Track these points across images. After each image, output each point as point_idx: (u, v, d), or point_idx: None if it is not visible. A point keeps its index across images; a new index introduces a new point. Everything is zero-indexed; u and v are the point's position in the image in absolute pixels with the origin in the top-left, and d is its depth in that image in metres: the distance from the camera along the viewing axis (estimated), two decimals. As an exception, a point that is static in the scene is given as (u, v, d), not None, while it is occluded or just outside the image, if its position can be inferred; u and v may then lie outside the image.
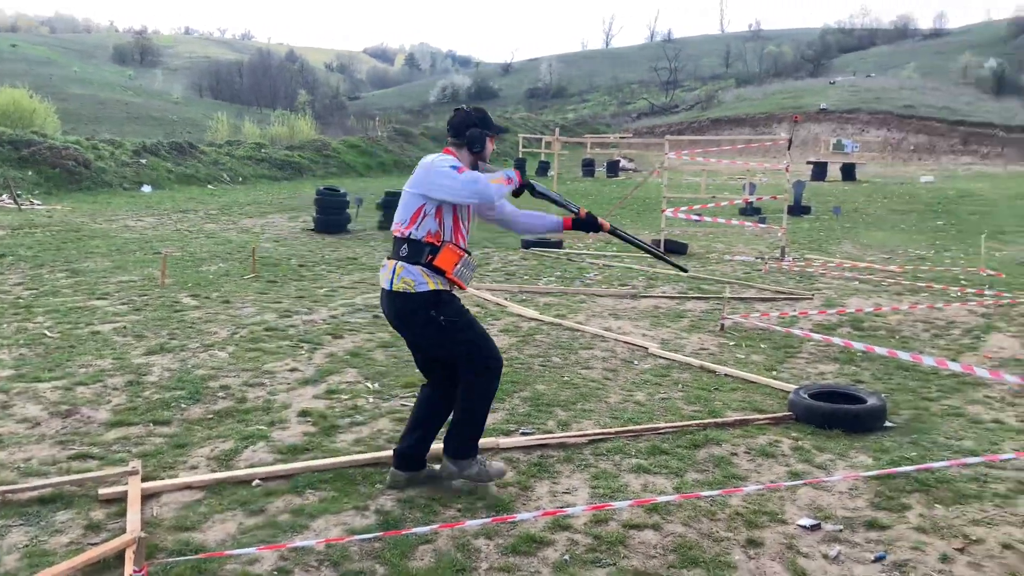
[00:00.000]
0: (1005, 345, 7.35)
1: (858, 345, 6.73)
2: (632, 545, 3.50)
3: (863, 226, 17.95)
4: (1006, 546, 3.51)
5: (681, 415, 5.18)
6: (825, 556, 3.43)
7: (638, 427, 4.86)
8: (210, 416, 4.99)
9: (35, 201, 17.66)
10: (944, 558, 3.41)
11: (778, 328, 7.56)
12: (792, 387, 5.67)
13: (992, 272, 11.09)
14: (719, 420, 5.02)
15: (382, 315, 4.30)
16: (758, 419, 5.08)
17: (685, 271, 5.06)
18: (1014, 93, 61.93)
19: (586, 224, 4.21)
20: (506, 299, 8.92)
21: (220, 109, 63.65)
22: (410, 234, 3.82)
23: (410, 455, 4.04)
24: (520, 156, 38.50)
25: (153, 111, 71.43)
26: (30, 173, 19.88)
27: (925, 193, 25.96)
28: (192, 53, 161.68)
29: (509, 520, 3.60)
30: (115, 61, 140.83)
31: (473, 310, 8.19)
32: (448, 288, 3.87)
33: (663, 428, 4.84)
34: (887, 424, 5.07)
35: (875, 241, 15.32)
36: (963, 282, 10.51)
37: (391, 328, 4.14)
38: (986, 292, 9.56)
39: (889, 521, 3.73)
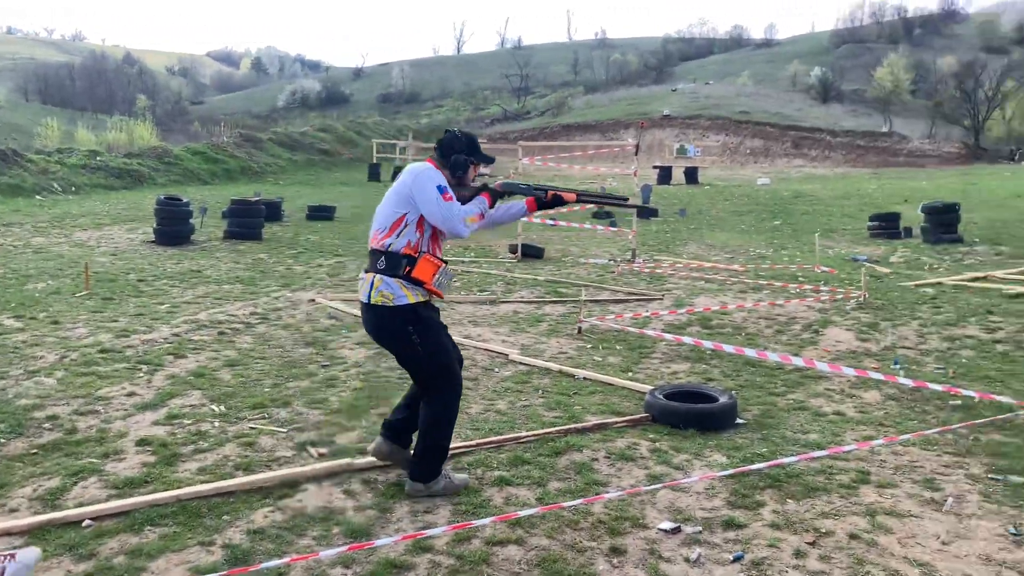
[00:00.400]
0: (841, 338, 7.77)
1: (707, 344, 6.94)
2: (496, 563, 3.41)
3: (707, 227, 18.71)
4: (853, 536, 3.64)
5: (542, 422, 5.15)
6: (686, 559, 3.46)
7: (499, 437, 4.78)
8: (34, 451, 4.54)
9: None
10: (798, 553, 3.50)
11: (632, 329, 7.69)
12: (648, 388, 5.76)
13: (826, 269, 11.76)
14: (579, 425, 5.02)
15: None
16: (617, 422, 5.11)
17: (626, 203, 4.97)
18: (838, 99, 66.58)
19: (550, 204, 4.24)
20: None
21: (50, 114, 59.49)
22: (388, 245, 3.88)
23: (397, 428, 4.18)
24: (375, 161, 37.95)
25: (-28, 116, 66.03)
26: None
27: (762, 194, 27.39)
28: (16, 54, 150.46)
29: (367, 547, 3.43)
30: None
31: (326, 323, 7.96)
32: (427, 299, 3.93)
33: (525, 437, 4.79)
34: (739, 421, 5.22)
35: (718, 241, 15.99)
36: (800, 279, 11.09)
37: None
38: (822, 288, 10.11)
39: (745, 519, 3.81)
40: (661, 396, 5.28)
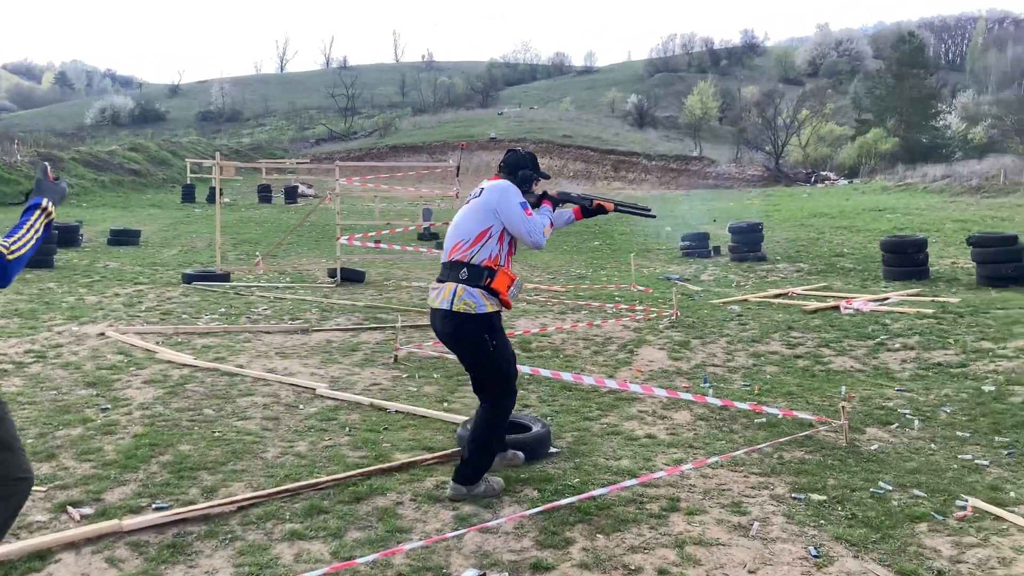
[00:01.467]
0: (654, 358, 7.86)
1: (524, 368, 6.78)
2: (278, 635, 3.02)
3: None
4: (661, 572, 3.52)
5: (345, 464, 4.77)
6: (490, 612, 3.21)
7: (295, 484, 4.37)
8: None
9: None
10: (606, 594, 3.34)
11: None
12: (463, 419, 5.52)
13: (642, 288, 12.04)
14: (385, 466, 4.69)
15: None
16: (426, 459, 4.82)
17: (651, 214, 5.09)
18: (653, 125, 69.96)
19: (593, 212, 4.74)
20: (157, 343, 7.96)
21: None
22: (471, 257, 4.21)
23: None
24: (188, 182, 36.02)
25: None
26: None
27: (585, 215, 28.10)
28: None
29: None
30: None
31: (115, 359, 7.22)
32: (499, 309, 4.28)
33: (323, 483, 4.40)
34: (552, 450, 5.06)
35: (541, 262, 16.12)
36: (617, 298, 11.27)
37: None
38: (637, 308, 10.29)
39: (554, 560, 3.61)
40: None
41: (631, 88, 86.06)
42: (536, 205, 4.50)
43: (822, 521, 4.04)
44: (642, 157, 52.19)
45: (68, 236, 17.19)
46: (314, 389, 6.44)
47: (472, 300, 4.16)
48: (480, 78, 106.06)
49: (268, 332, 8.81)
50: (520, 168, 4.47)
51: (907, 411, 6.04)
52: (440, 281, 4.32)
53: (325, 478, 4.46)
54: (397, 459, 4.86)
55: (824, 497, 4.34)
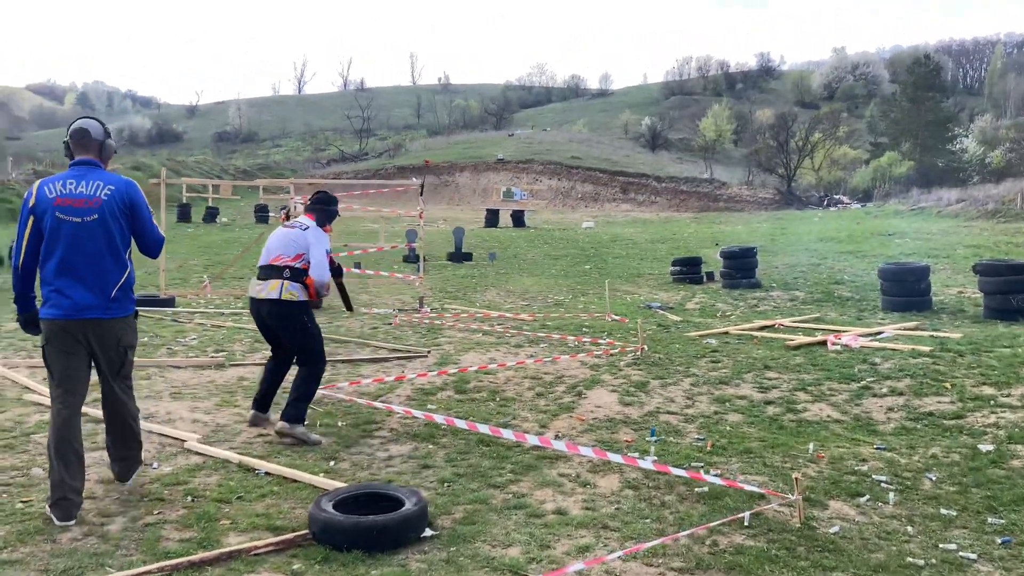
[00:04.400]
0: (603, 402, 6.84)
1: (439, 418, 5.81)
2: None
3: (517, 272, 17.91)
4: None
5: (156, 552, 3.79)
6: None
7: (68, 584, 3.40)
8: None
9: None
10: None
11: (360, 401, 6.46)
12: (339, 485, 4.55)
13: (617, 318, 11.02)
14: (197, 557, 3.70)
15: None
16: (257, 547, 3.82)
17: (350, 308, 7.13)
18: (665, 147, 69.09)
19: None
20: (42, 380, 7.03)
21: None
22: (295, 265, 5.73)
23: (261, 401, 6.04)
24: (184, 201, 35.40)
25: None
26: None
27: (583, 238, 27.14)
28: None
29: None
30: None
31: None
32: (309, 300, 5.79)
33: (103, 582, 3.43)
34: (426, 533, 4.06)
35: (521, 287, 15.15)
36: (585, 329, 10.27)
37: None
38: (601, 341, 9.28)
39: None
40: (329, 504, 4.06)
41: (646, 111, 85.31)
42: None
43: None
44: (651, 179, 51.22)
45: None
46: (184, 441, 5.48)
47: (296, 292, 5.70)
48: (495, 100, 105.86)
49: (178, 367, 7.88)
50: (329, 206, 6.16)
51: (883, 478, 4.99)
52: (263, 279, 5.76)
53: (116, 575, 3.48)
54: (229, 543, 3.88)
55: (751, 611, 3.31)
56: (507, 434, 5.35)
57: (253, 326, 10.21)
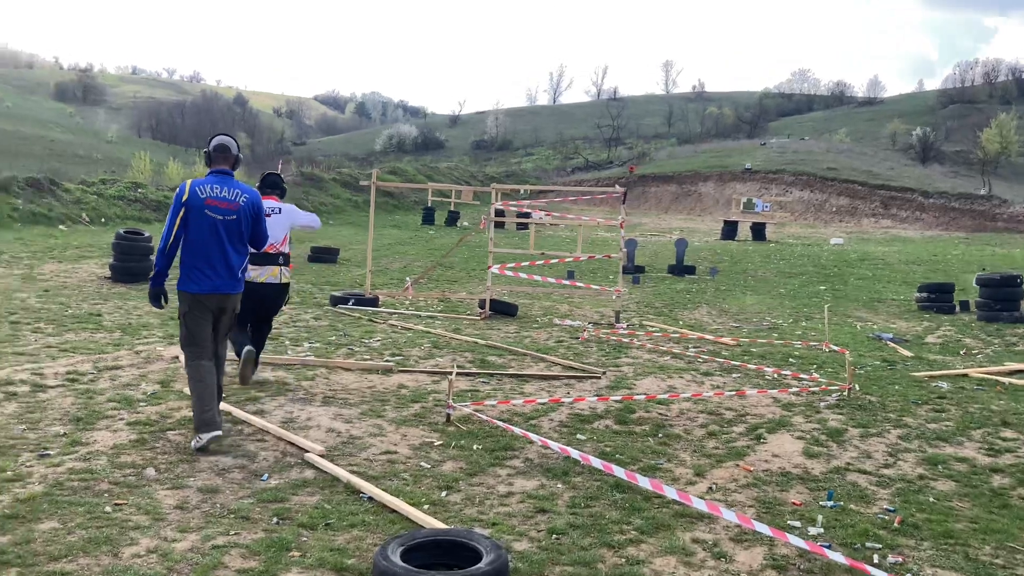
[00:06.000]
0: (783, 450, 5.82)
1: (574, 453, 5.14)
2: None
3: (740, 289, 16.63)
4: None
5: (204, 578, 3.49)
6: None
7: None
8: None
9: None
10: None
11: (500, 423, 5.93)
12: (433, 523, 4.07)
13: (836, 348, 9.69)
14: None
15: None
16: (303, 590, 3.41)
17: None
18: (938, 160, 62.72)
19: None
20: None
21: (155, 149, 61.56)
22: (284, 250, 6.87)
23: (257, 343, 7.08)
24: (429, 205, 37.06)
25: (79, 149, 69.00)
26: None
27: (826, 256, 24.96)
28: (137, 93, 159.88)
29: None
30: (56, 98, 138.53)
31: (144, 389, 6.37)
32: None
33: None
34: (500, 597, 3.45)
35: (739, 306, 13.95)
36: (792, 360, 9.08)
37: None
38: (803, 377, 8.10)
39: None
40: (396, 551, 3.56)
41: (918, 120, 78.07)
42: None
43: None
44: (917, 194, 46.54)
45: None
46: (305, 452, 5.25)
47: (288, 274, 6.96)
48: (749, 108, 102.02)
49: (346, 369, 7.80)
50: (282, 184, 7.42)
51: None
52: (261, 265, 6.65)
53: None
54: (284, 579, 3.50)
55: None
56: (643, 482, 4.60)
57: (440, 330, 10.11)
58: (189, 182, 5.39)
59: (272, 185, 7.24)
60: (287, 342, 9.00)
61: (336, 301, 11.86)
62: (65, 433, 5.33)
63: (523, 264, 12.54)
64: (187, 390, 5.61)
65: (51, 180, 25.50)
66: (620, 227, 11.78)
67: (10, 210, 22.12)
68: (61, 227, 22.37)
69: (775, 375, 8.18)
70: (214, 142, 5.57)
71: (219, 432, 5.17)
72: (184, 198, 5.28)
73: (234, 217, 5.37)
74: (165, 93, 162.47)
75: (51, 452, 4.94)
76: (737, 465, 5.50)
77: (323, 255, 18.55)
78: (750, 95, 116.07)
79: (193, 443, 5.13)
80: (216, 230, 5.30)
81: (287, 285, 6.98)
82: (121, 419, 5.72)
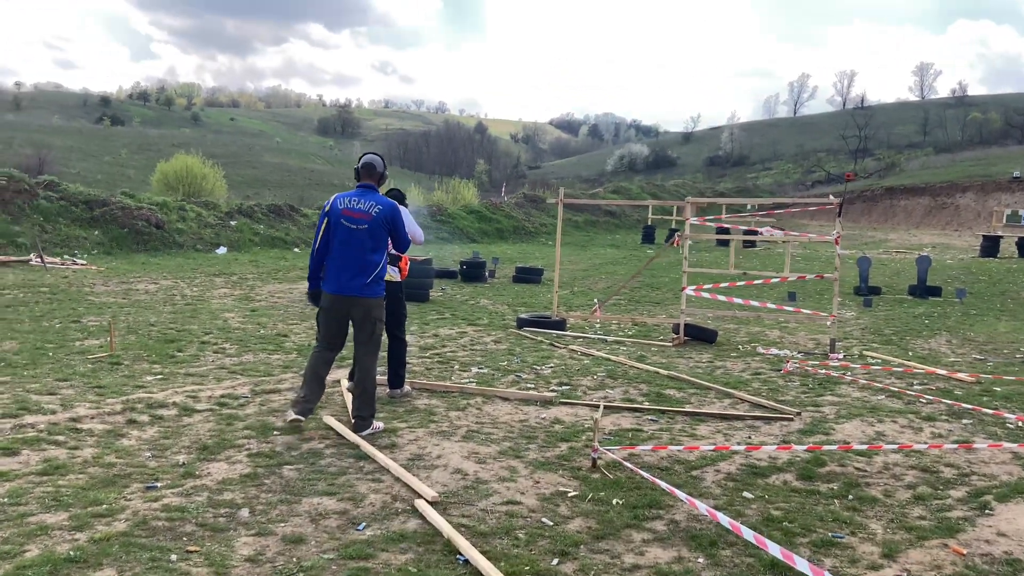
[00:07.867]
0: (1017, 527, 4.49)
1: (723, 519, 4.20)
2: None
3: (993, 314, 14.33)
4: None
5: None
6: None
7: None
8: None
9: (79, 260, 17.50)
10: None
11: (645, 475, 5.04)
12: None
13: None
14: None
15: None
16: None
17: None
18: None
19: None
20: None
21: (402, 177, 65.68)
22: (392, 251, 6.45)
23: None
24: (649, 223, 36.13)
25: (335, 178, 75.01)
26: (96, 232, 19.98)
27: (1112, 275, 21.22)
28: (389, 125, 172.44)
29: None
30: (319, 133, 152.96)
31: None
32: None
33: None
34: None
35: (989, 335, 11.90)
36: (1049, 406, 7.37)
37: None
38: (1059, 427, 6.47)
39: None
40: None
41: None
42: None
43: None
44: None
45: (474, 271, 17.66)
46: (416, 498, 4.70)
47: (395, 274, 6.98)
48: (1022, 112, 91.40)
49: (504, 398, 7.23)
50: (401, 200, 7.19)
51: None
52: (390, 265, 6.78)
53: None
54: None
55: None
56: (802, 565, 3.59)
57: (622, 358, 9.31)
58: (335, 195, 6.02)
59: (395, 198, 7.11)
60: (456, 366, 8.61)
61: (522, 324, 11.39)
62: (184, 463, 5.15)
63: (721, 285, 11.40)
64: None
65: (291, 206, 27.42)
66: (835, 243, 10.33)
67: (251, 234, 23.96)
68: (295, 250, 23.90)
69: (1019, 423, 6.61)
70: (362, 160, 6.11)
71: (300, 418, 5.84)
72: (327, 209, 5.95)
73: (365, 226, 5.85)
74: (413, 124, 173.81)
75: (159, 484, 4.74)
76: (946, 545, 4.28)
77: (527, 275, 18.30)
78: (1021, 97, 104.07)
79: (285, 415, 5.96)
80: (349, 238, 5.84)
81: (398, 284, 7.01)
82: (247, 449, 5.48)
